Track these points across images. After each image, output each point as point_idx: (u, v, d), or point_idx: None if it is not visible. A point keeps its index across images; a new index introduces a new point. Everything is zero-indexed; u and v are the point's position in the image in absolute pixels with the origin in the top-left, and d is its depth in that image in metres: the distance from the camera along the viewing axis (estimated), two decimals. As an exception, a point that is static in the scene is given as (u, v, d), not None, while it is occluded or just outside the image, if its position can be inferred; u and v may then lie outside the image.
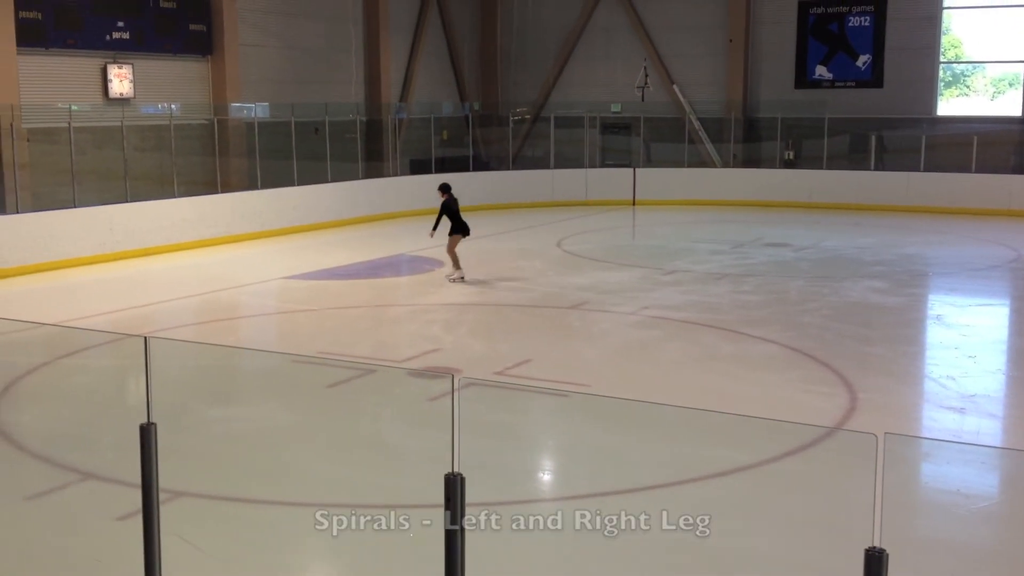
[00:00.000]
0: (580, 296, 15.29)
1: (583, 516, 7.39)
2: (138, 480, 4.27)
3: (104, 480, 7.86)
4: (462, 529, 3.56)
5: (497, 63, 31.43)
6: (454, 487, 3.54)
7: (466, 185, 26.10)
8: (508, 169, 28.24)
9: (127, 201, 19.10)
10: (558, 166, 27.91)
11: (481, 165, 28.23)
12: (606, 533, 7.06)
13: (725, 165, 28.38)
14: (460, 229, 16.25)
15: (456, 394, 3.78)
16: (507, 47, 31.44)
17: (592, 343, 12.88)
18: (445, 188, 16.59)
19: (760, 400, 10.02)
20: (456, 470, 3.55)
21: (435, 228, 16.25)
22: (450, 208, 16.26)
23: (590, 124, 28.70)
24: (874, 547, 3.05)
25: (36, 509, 7.41)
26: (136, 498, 4.34)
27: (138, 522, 4.37)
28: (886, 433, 3.45)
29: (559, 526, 7.44)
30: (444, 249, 16.65)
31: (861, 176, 26.50)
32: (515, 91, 31.30)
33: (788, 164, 27.82)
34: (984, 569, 6.90)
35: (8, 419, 9.34)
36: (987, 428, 9.65)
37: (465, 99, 30.51)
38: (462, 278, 16.05)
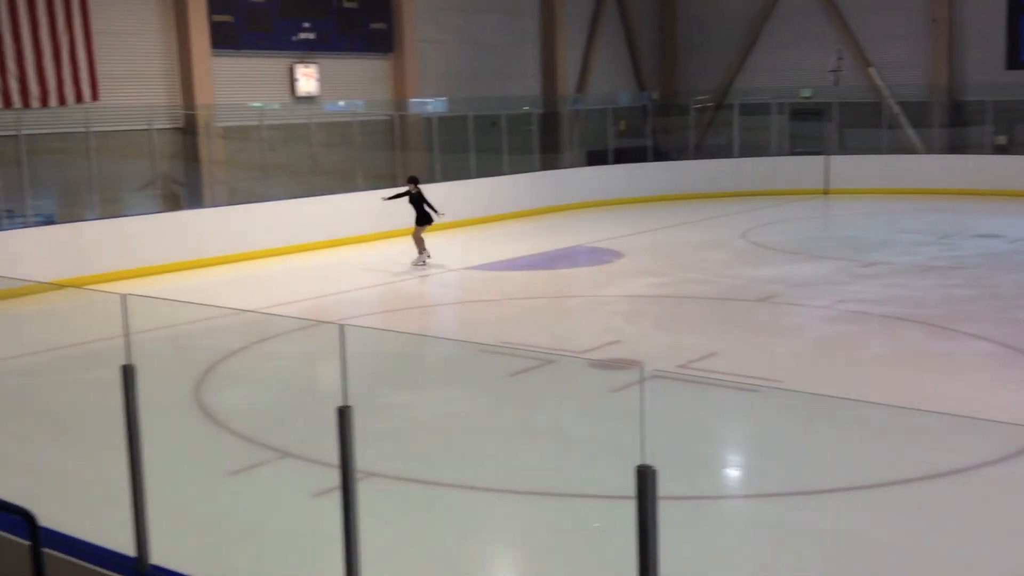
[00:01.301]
0: (769, 289, 14.77)
1: (776, 514, 7.11)
2: (332, 459, 4.38)
3: (300, 459, 8.09)
4: (655, 522, 3.47)
5: (677, 51, 30.90)
6: (645, 480, 3.45)
7: (645, 175, 25.91)
8: (689, 159, 27.73)
9: (314, 195, 19.71)
10: (743, 155, 27.19)
11: (660, 155, 27.85)
12: (800, 533, 6.75)
13: (928, 151, 26.92)
14: (425, 219, 17.27)
15: (643, 384, 3.63)
16: (687, 34, 30.85)
17: (783, 337, 12.40)
18: (413, 180, 17.56)
19: (972, 401, 9.30)
20: (646, 463, 3.45)
21: (392, 199, 17.61)
22: (416, 198, 17.26)
23: (777, 111, 27.84)
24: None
25: (238, 484, 7.72)
26: (330, 476, 4.45)
27: (333, 499, 4.45)
28: None
29: (751, 523, 7.18)
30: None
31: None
32: (696, 79, 30.66)
33: (1000, 150, 26.10)
34: None
35: (211, 400, 9.73)
36: None
37: (643, 88, 30.15)
38: (423, 262, 17.15)
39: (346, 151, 21.54)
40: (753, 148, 27.32)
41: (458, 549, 6.59)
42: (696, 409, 9.39)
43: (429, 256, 17.20)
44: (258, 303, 14.03)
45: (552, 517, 7.09)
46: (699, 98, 29.52)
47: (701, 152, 28.40)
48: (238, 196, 19.32)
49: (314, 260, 18.16)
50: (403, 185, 17.91)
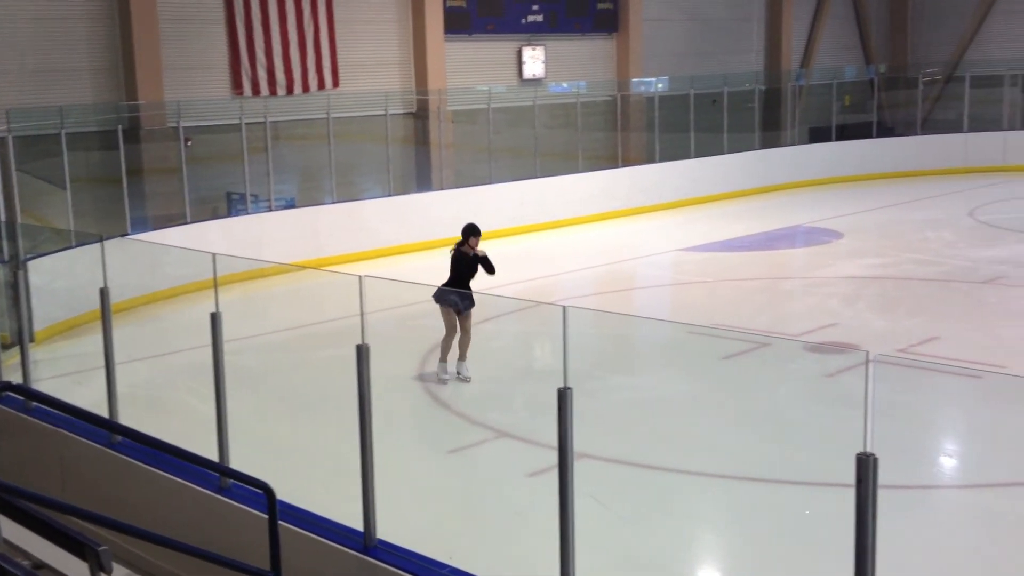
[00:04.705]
0: (996, 270, 14.19)
1: (997, 505, 6.98)
2: (547, 440, 4.57)
3: (517, 439, 8.49)
4: (874, 511, 3.50)
5: (907, 22, 29.54)
6: (866, 468, 3.48)
7: (869, 152, 25.03)
8: (916, 134, 26.54)
9: (536, 177, 20.19)
10: (972, 129, 25.78)
11: (885, 131, 26.80)
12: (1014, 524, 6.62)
13: None
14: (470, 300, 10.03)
15: (869, 369, 3.73)
16: (918, 5, 29.45)
17: (1010, 321, 11.95)
18: (474, 231, 10.39)
19: None
20: (868, 451, 3.47)
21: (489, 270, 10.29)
22: (466, 262, 10.36)
23: (1011, 82, 26.21)
24: None
25: (458, 462, 8.17)
26: (545, 457, 4.64)
27: (548, 479, 4.65)
28: None
29: (969, 514, 7.08)
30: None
31: None
32: (926, 51, 29.24)
33: None
34: None
35: (433, 379, 10.16)
36: None
37: (871, 62, 29.05)
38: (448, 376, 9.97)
39: (568, 132, 21.90)
40: (984, 122, 25.85)
41: (668, 532, 6.76)
42: (915, 395, 9.24)
43: (455, 374, 9.98)
44: (479, 284, 14.61)
45: (763, 503, 7.18)
46: (928, 71, 28.13)
47: (929, 127, 27.11)
48: (464, 179, 20.05)
49: (534, 241, 18.68)
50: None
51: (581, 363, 9.86)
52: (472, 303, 9.96)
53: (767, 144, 24.88)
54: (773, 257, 16.67)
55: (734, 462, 7.83)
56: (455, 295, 9.88)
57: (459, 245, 10.32)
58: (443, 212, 18.32)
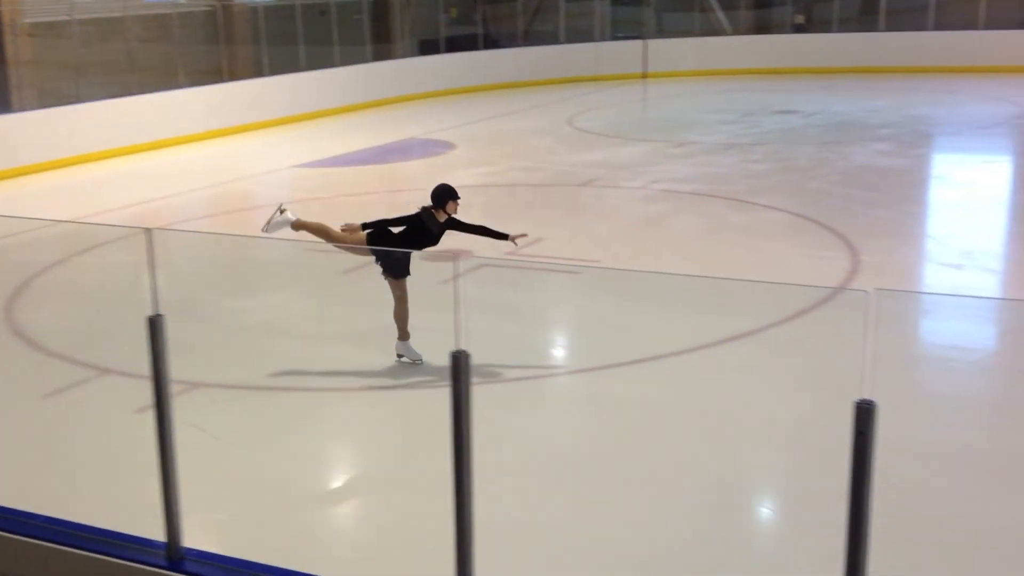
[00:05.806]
0: (591, 173, 15.26)
1: (591, 388, 7.56)
2: None
3: (122, 375, 7.94)
4: (467, 405, 3.60)
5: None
6: (460, 364, 3.56)
7: (476, 64, 25.82)
8: (518, 46, 27.71)
9: (133, 94, 18.89)
10: (569, 41, 27.37)
11: (491, 43, 27.73)
12: (610, 403, 7.22)
13: (736, 33, 27.81)
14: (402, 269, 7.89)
15: (462, 274, 3.79)
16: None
17: (603, 219, 12.90)
18: (451, 196, 7.95)
19: (766, 268, 10.15)
20: (462, 347, 3.55)
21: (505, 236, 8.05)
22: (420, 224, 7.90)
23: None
24: (864, 399, 3.06)
25: (55, 406, 7.52)
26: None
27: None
28: (876, 289, 3.45)
29: (568, 398, 7.62)
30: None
31: (871, 38, 26.16)
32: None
33: (799, 29, 27.33)
34: (980, 417, 7.01)
35: (24, 318, 9.36)
36: (986, 283, 9.80)
37: (474, -26, 29.75)
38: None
39: (165, 45, 20.62)
40: (579, 34, 27.55)
41: (287, 452, 6.64)
42: (521, 293, 9.76)
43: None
44: (75, 213, 13.56)
45: (383, 411, 7.29)
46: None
47: (530, 39, 28.43)
48: (49, 98, 18.37)
49: (135, 164, 17.54)
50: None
51: (193, 289, 9.42)
52: (407, 271, 7.80)
53: (378, 57, 24.91)
54: (389, 170, 16.81)
55: (354, 376, 7.86)
56: (390, 257, 7.67)
57: (429, 208, 7.83)
58: (27, 136, 16.76)
